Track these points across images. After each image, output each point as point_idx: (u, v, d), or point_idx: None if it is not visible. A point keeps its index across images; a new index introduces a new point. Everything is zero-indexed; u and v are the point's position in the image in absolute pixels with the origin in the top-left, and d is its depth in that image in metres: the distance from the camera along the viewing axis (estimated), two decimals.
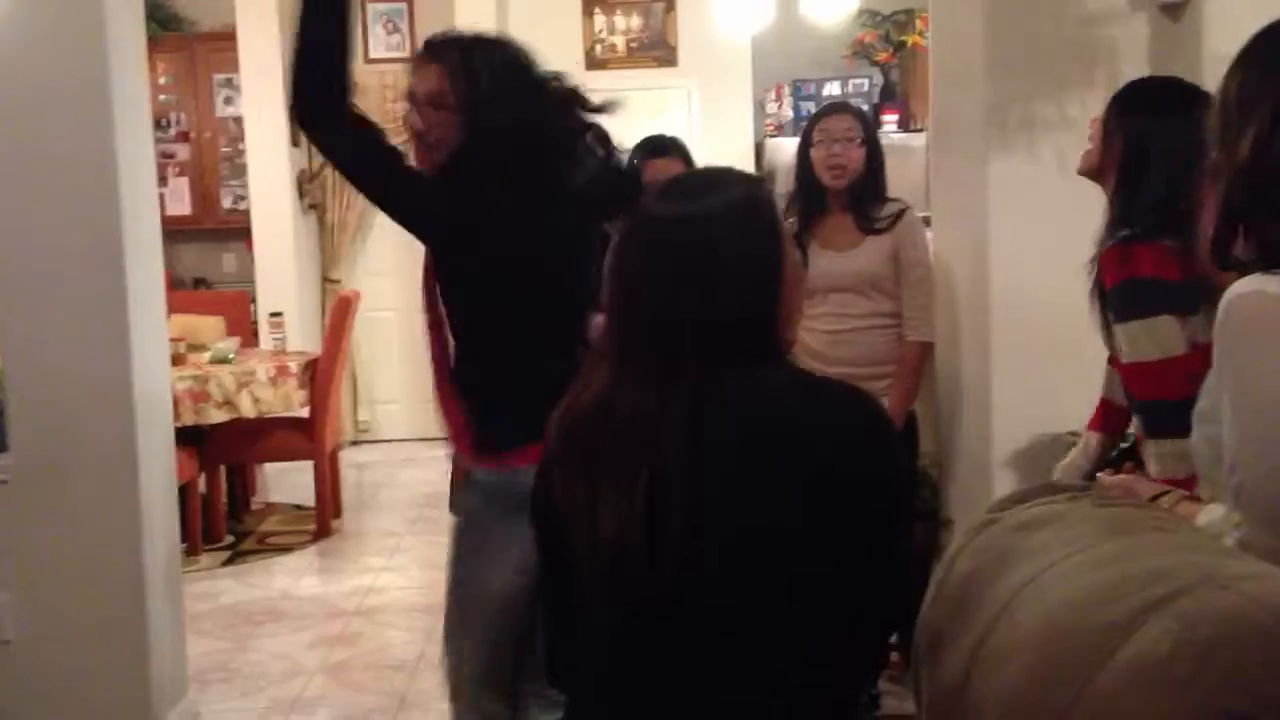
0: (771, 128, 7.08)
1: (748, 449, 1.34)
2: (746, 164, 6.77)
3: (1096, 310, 2.59)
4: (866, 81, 7.06)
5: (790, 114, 6.96)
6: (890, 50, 7.13)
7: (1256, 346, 1.30)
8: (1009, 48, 3.38)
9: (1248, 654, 1.01)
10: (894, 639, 3.50)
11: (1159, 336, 2.40)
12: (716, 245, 1.36)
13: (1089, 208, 3.36)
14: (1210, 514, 1.41)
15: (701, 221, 1.37)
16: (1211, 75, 3.06)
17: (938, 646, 1.37)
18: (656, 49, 7.22)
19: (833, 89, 6.96)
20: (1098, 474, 1.97)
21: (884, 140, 3.72)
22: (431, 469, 6.65)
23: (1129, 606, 1.12)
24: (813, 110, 6.98)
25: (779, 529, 1.33)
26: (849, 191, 3.33)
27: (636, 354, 1.36)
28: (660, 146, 3.41)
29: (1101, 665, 1.09)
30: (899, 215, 3.35)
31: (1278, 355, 1.27)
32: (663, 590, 1.32)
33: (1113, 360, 2.63)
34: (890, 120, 6.78)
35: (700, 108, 7.01)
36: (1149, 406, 2.39)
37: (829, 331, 3.29)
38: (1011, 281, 3.34)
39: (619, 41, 7.23)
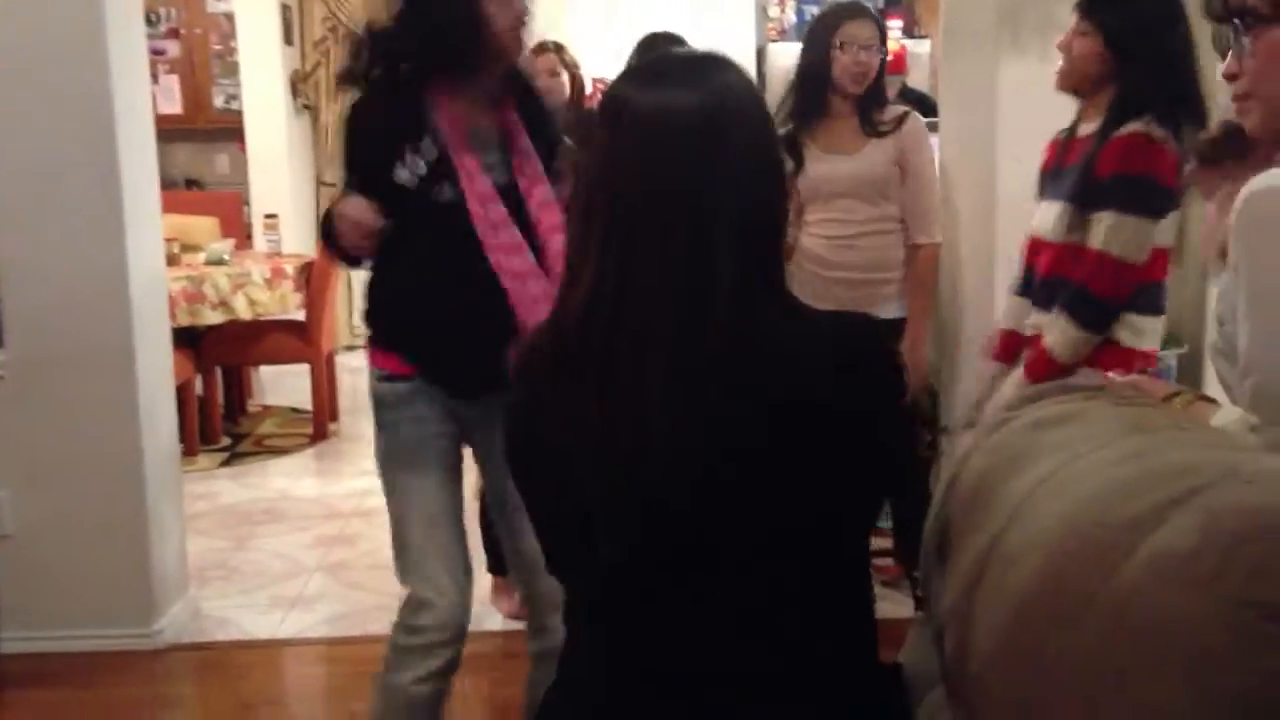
0: (774, 32, 6.96)
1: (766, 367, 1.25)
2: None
3: (1058, 189, 2.62)
4: None
5: (794, 18, 6.84)
6: None
7: (1272, 245, 1.28)
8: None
9: (1275, 547, 1.00)
10: (890, 544, 3.53)
11: (1140, 240, 2.48)
12: (745, 132, 1.26)
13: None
14: (1226, 415, 1.39)
15: (730, 105, 1.26)
16: None
17: (949, 545, 1.37)
18: None
19: None
20: (1109, 374, 1.96)
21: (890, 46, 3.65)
22: None
23: (1151, 502, 1.11)
24: (814, 14, 6.90)
25: (756, 451, 1.25)
26: (857, 95, 3.27)
27: (655, 258, 1.23)
28: (667, 43, 3.32)
29: (1123, 561, 1.08)
30: (902, 118, 3.29)
31: None
32: (662, 498, 1.24)
33: (1037, 250, 2.69)
34: (895, 26, 6.66)
35: (698, 9, 6.87)
36: (1088, 295, 2.51)
37: (831, 237, 3.25)
38: (1018, 188, 3.28)
39: None
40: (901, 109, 3.33)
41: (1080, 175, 2.55)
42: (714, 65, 1.31)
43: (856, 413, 1.29)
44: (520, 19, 2.24)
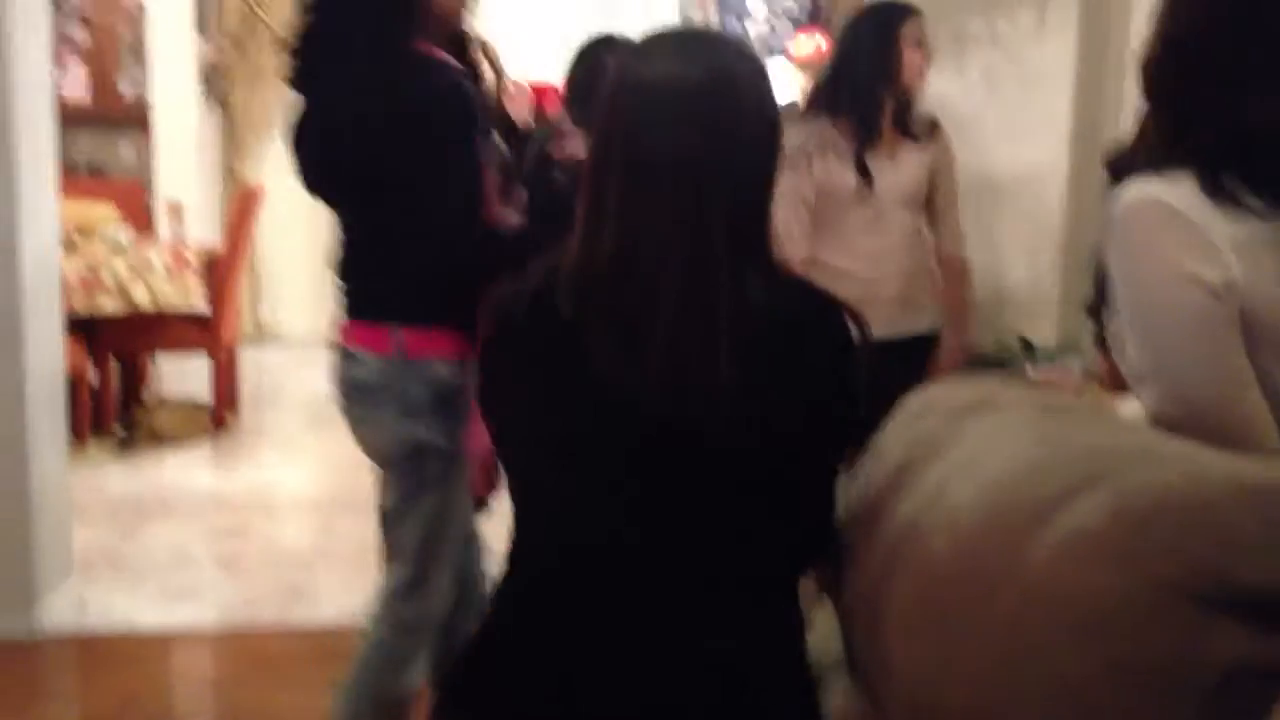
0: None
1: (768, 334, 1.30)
2: None
3: None
4: (795, 3, 6.98)
5: (715, 18, 6.86)
6: None
7: (1141, 252, 1.28)
8: None
9: (1185, 525, 0.99)
10: None
11: None
12: (745, 105, 1.31)
13: (1014, 126, 3.37)
14: (1131, 407, 1.40)
15: (729, 77, 1.31)
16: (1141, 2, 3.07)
17: (864, 533, 1.35)
18: None
19: (757, 3, 6.87)
20: (1026, 369, 1.97)
21: None
22: None
23: (1064, 481, 1.10)
24: (734, 24, 6.93)
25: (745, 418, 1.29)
26: (909, 97, 2.98)
27: (662, 220, 1.29)
28: (609, 47, 3.09)
29: (1035, 537, 1.07)
30: (934, 126, 3.03)
31: (1163, 261, 1.24)
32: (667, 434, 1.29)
33: None
34: (820, 40, 6.72)
35: (617, 9, 6.85)
36: None
37: (877, 251, 2.95)
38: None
39: None
40: (930, 116, 3.06)
41: None
42: (716, 41, 1.39)
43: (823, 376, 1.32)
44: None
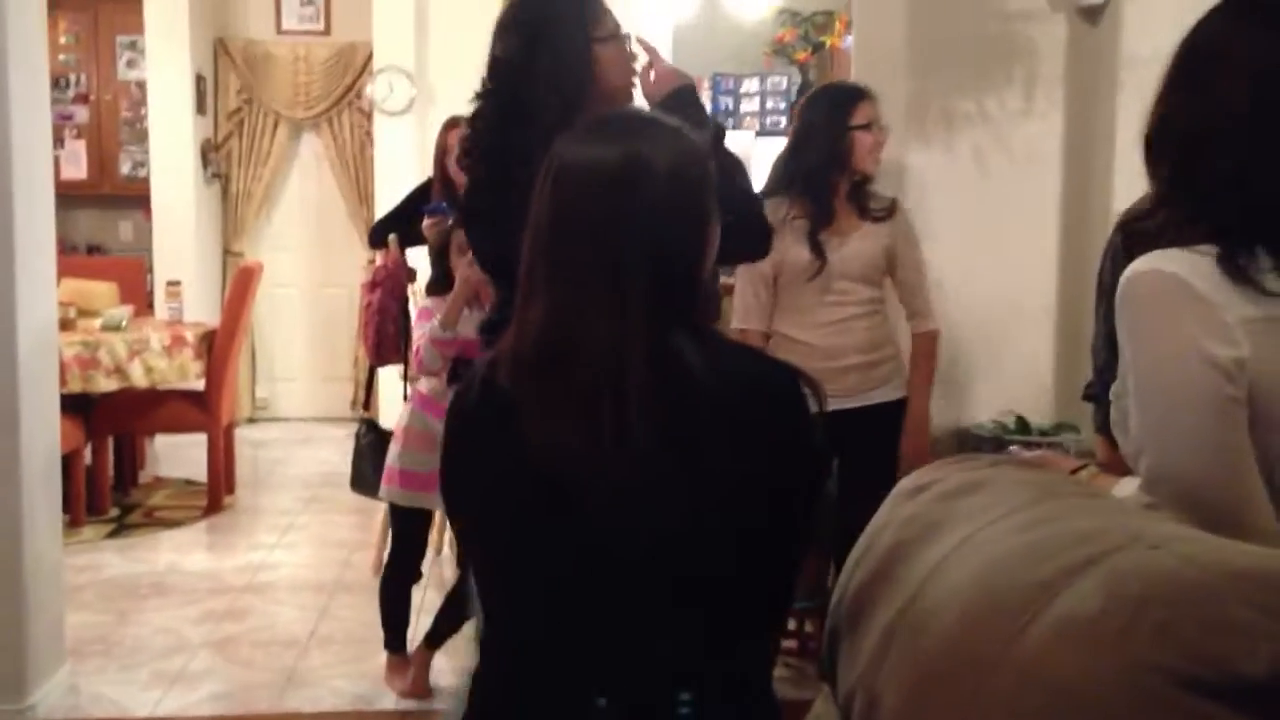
0: None
1: (684, 419, 1.34)
2: None
3: None
4: (785, 80, 7.09)
5: (709, 105, 6.96)
6: (809, 50, 7.18)
7: (1154, 328, 1.29)
8: (930, 44, 3.41)
9: (1179, 610, 0.99)
10: (791, 626, 3.50)
11: None
12: (656, 184, 1.36)
13: (1004, 204, 3.42)
14: (1127, 486, 1.41)
15: (642, 159, 1.36)
16: (1128, 78, 3.12)
17: (859, 618, 1.35)
18: None
19: (752, 85, 6.98)
20: (1011, 448, 1.98)
21: None
22: (330, 448, 6.51)
23: (1059, 565, 1.10)
24: (732, 106, 7.03)
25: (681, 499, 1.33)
26: (865, 177, 3.11)
27: (585, 295, 1.35)
28: None
29: (1030, 622, 1.07)
30: (894, 206, 3.16)
31: (1175, 337, 1.26)
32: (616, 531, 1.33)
33: None
34: None
35: None
36: None
37: (833, 322, 3.07)
38: (930, 274, 3.37)
39: None
40: (889, 196, 3.19)
41: None
42: (643, 124, 1.45)
43: (762, 464, 1.35)
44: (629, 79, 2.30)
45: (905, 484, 1.52)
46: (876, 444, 3.02)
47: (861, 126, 3.01)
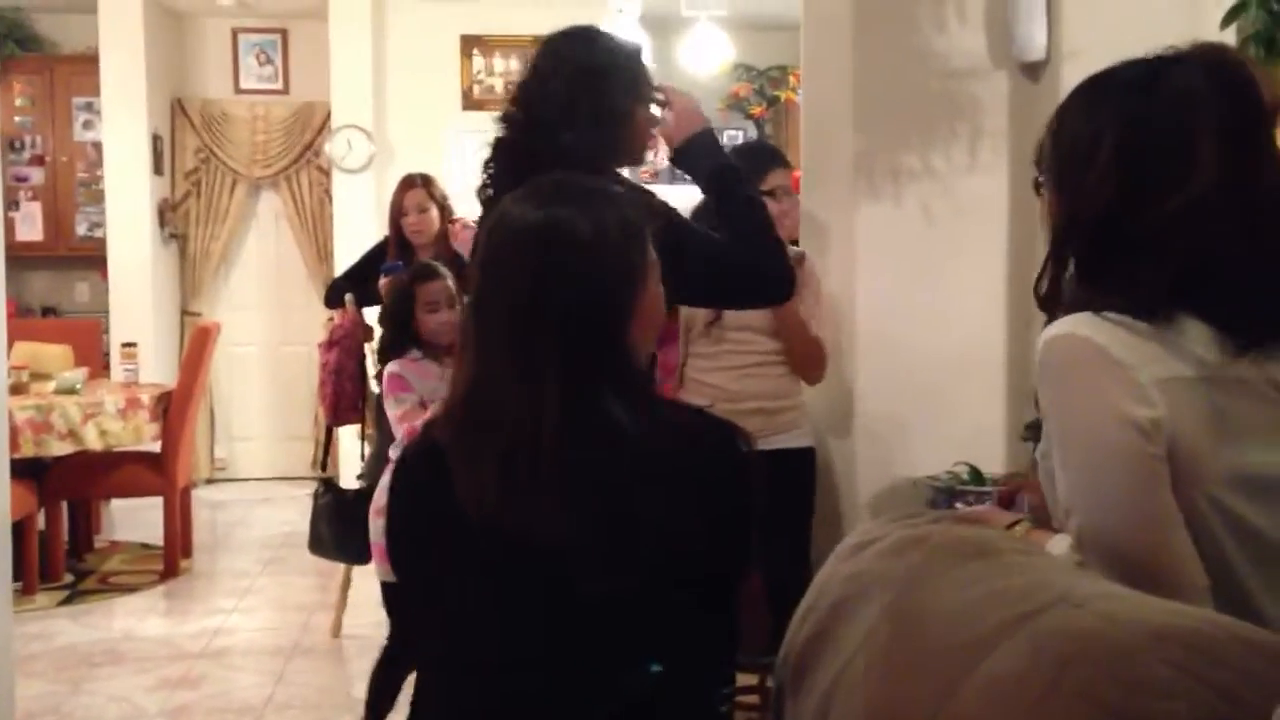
0: (648, 175, 7.12)
1: (607, 479, 1.37)
2: None
3: None
4: (741, 134, 7.16)
5: (665, 162, 7.01)
6: (764, 105, 7.27)
7: (1071, 392, 1.31)
8: (876, 101, 3.46)
9: (1099, 670, 1.01)
10: (753, 681, 3.49)
11: None
12: (576, 248, 1.39)
13: (951, 256, 3.45)
14: (1060, 543, 1.42)
15: (565, 224, 1.39)
16: None
17: (803, 675, 1.36)
18: None
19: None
20: (955, 504, 2.00)
21: None
22: (289, 509, 6.46)
23: (988, 625, 1.12)
24: None
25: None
26: None
27: (503, 351, 1.39)
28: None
29: (961, 683, 1.08)
30: (801, 259, 3.21)
31: (1093, 401, 1.28)
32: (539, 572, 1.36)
33: None
34: None
35: None
36: None
37: (736, 367, 3.19)
38: (877, 327, 3.40)
39: (497, 83, 7.21)
40: (798, 250, 3.26)
41: None
42: (573, 188, 1.47)
43: (700, 509, 1.39)
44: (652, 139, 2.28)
45: (849, 541, 1.53)
46: (779, 489, 3.03)
47: (766, 193, 3.02)
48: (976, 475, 3.09)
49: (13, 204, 7.14)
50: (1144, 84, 1.36)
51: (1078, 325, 1.30)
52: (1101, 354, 1.27)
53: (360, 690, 3.42)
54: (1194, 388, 1.26)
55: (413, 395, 3.11)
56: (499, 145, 2.26)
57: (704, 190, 2.30)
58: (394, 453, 3.03)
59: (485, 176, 2.27)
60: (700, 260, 2.09)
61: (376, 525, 3.17)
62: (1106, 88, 1.40)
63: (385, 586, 3.19)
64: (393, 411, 3.14)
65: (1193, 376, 1.26)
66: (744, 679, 3.31)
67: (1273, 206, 1.31)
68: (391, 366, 3.18)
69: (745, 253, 2.17)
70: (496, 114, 2.30)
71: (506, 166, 2.22)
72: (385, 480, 3.21)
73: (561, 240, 1.39)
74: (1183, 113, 1.32)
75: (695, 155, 2.25)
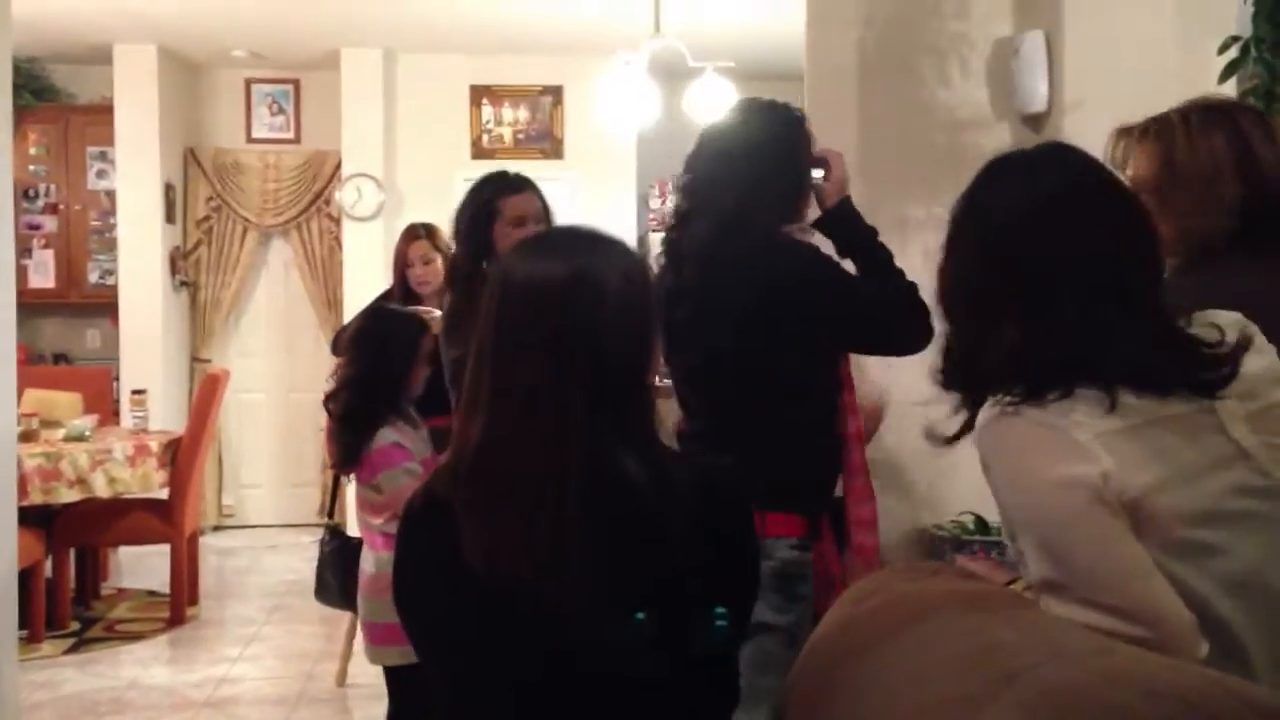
0: (654, 222, 7.16)
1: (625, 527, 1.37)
2: None
3: None
4: None
5: (672, 209, 7.05)
6: None
7: (1015, 469, 1.36)
8: (881, 151, 3.49)
9: None
10: None
11: None
12: (605, 300, 1.37)
13: None
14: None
15: (591, 276, 1.38)
16: None
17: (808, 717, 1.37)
18: (543, 141, 7.29)
19: None
20: (956, 557, 2.00)
21: None
22: (297, 555, 6.45)
23: (981, 681, 1.12)
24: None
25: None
26: None
27: (525, 409, 1.36)
28: (518, 181, 3.09)
29: None
30: None
31: (1038, 470, 1.32)
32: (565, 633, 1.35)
33: None
34: None
35: (585, 200, 7.06)
36: None
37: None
38: (880, 379, 3.40)
39: (506, 133, 7.28)
40: None
41: None
42: (588, 239, 1.46)
43: (703, 567, 1.38)
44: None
45: (851, 593, 1.54)
46: None
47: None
48: (982, 525, 3.09)
49: (26, 252, 7.19)
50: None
51: (1004, 408, 1.33)
52: (1031, 421, 1.30)
53: None
54: (1134, 436, 1.29)
55: (414, 463, 2.87)
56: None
57: (841, 251, 2.52)
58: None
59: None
60: (856, 303, 2.40)
61: (368, 605, 2.93)
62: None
63: (389, 671, 2.91)
64: (404, 482, 2.77)
65: (1129, 425, 1.28)
66: None
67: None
68: (388, 435, 2.84)
69: (899, 303, 2.40)
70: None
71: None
72: (370, 555, 2.98)
73: (595, 293, 1.37)
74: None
75: (843, 218, 2.54)
